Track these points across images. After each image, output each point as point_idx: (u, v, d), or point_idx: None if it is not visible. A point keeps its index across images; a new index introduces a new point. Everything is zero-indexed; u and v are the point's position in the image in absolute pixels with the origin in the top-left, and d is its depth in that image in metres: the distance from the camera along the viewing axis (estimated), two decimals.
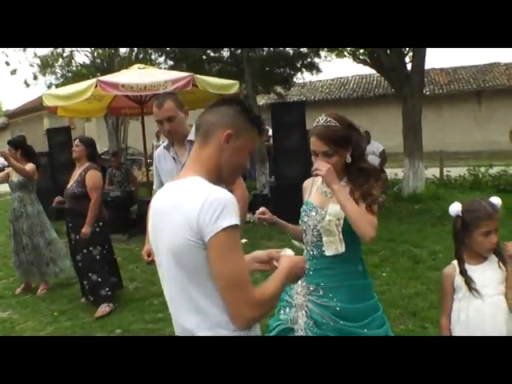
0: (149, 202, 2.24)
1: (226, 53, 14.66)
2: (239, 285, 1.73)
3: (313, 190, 2.84)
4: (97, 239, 5.82)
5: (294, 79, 16.13)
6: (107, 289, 5.86)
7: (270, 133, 15.50)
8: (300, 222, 2.80)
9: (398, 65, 11.80)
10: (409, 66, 11.90)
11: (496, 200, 2.75)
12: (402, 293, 5.79)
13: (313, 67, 14.76)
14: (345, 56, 14.07)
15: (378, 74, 29.74)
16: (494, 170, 13.44)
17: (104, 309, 5.75)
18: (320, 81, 29.32)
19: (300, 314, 2.71)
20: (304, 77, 15.95)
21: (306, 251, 2.79)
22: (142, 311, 5.79)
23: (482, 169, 13.64)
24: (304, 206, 2.80)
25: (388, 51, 11.78)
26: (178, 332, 1.90)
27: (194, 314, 1.80)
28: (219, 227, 1.70)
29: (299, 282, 2.68)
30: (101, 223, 5.87)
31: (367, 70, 29.33)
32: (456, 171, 14.19)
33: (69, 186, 5.88)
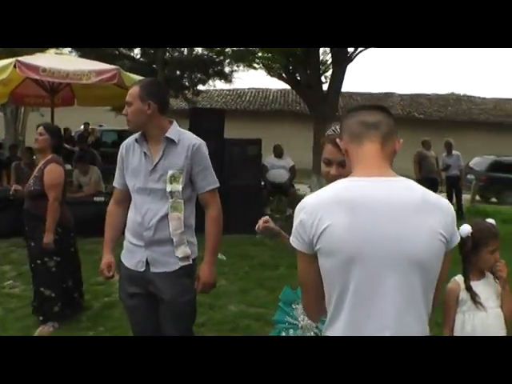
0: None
1: (137, 50, 14.08)
2: None
3: None
4: (54, 248, 4.85)
5: (206, 86, 15.89)
6: (59, 304, 4.98)
7: None
8: None
9: (315, 83, 11.90)
10: (324, 86, 12.08)
11: (493, 221, 3.09)
12: None
13: (224, 75, 14.55)
14: (255, 67, 13.96)
15: (275, 89, 30.68)
16: None
17: (47, 329, 4.89)
18: (216, 90, 29.18)
19: (308, 335, 2.62)
20: (215, 84, 15.74)
21: None
22: (69, 328, 5.00)
23: None
24: None
25: (307, 69, 11.87)
26: None
27: (418, 323, 1.76)
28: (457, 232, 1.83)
29: None
30: (59, 229, 4.91)
31: (264, 85, 30.05)
32: None
33: (28, 182, 4.99)
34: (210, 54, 13.45)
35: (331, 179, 2.50)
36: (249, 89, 30.23)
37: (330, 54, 11.97)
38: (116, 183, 3.35)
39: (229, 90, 29.94)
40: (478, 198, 16.62)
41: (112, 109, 16.24)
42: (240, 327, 5.06)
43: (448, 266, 1.85)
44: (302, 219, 1.75)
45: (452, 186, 12.97)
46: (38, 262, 4.91)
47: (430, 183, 12.30)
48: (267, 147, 10.43)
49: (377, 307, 1.70)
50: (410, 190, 1.77)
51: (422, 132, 27.00)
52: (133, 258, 3.17)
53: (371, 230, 1.69)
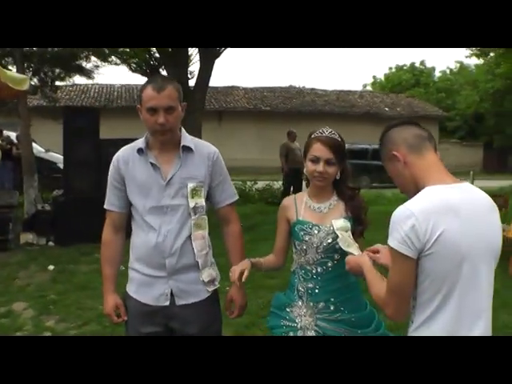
0: None
1: None
2: None
3: (300, 207, 2.79)
4: None
5: (66, 82, 15.01)
6: None
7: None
8: (297, 241, 2.75)
9: (183, 79, 11.76)
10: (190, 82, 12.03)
11: None
12: (257, 303, 5.80)
13: (86, 71, 13.85)
14: (111, 62, 13.39)
15: (119, 85, 29.74)
16: (259, 185, 14.39)
17: None
18: (59, 86, 27.68)
19: (310, 334, 2.69)
20: (74, 80, 14.97)
21: (301, 272, 2.76)
22: None
23: (248, 183, 14.41)
24: (299, 226, 2.74)
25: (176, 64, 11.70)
26: None
27: (488, 319, 1.99)
28: None
29: (299, 303, 2.74)
30: None
31: (110, 81, 29.01)
32: None
33: None
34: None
35: (317, 177, 2.68)
36: (92, 85, 29.02)
37: (196, 49, 11.85)
38: (111, 205, 2.81)
39: (72, 86, 28.45)
40: None
41: None
42: None
43: None
44: (413, 225, 1.84)
45: None
46: None
47: (295, 174, 12.91)
48: None
49: (475, 295, 1.92)
50: (479, 192, 2.02)
51: (269, 124, 28.23)
52: (150, 291, 2.71)
53: (474, 231, 1.90)
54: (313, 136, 2.73)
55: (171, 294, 2.69)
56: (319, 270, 2.70)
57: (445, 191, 1.92)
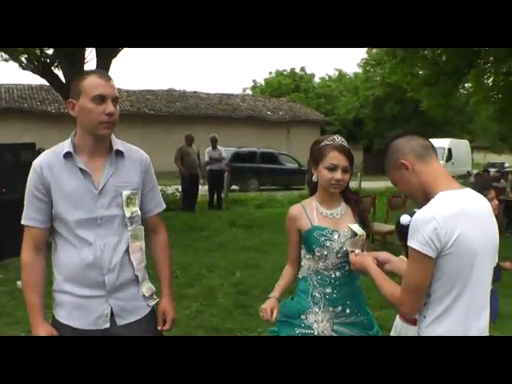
0: None
1: None
2: None
3: (312, 214, 2.83)
4: None
5: None
6: None
7: None
8: (316, 247, 2.77)
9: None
10: None
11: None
12: (186, 313, 5.72)
13: None
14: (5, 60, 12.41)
15: None
16: None
17: None
18: None
19: None
20: None
21: (316, 277, 2.80)
22: None
23: None
24: (317, 231, 2.78)
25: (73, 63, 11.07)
26: (474, 333, 2.10)
27: (488, 309, 2.18)
28: None
29: (315, 309, 2.77)
30: None
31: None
32: None
33: None
34: None
35: (334, 184, 2.74)
36: None
37: (93, 48, 11.27)
38: (31, 220, 2.44)
39: None
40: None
41: None
42: None
43: None
44: (435, 228, 1.99)
45: (214, 180, 13.64)
46: None
47: (192, 179, 12.76)
48: None
49: (482, 288, 2.13)
50: (479, 196, 2.19)
51: (153, 128, 27.80)
52: (87, 314, 2.42)
53: (482, 232, 2.09)
54: (324, 144, 2.77)
55: (111, 314, 2.45)
56: (337, 274, 2.77)
57: (457, 196, 2.10)
